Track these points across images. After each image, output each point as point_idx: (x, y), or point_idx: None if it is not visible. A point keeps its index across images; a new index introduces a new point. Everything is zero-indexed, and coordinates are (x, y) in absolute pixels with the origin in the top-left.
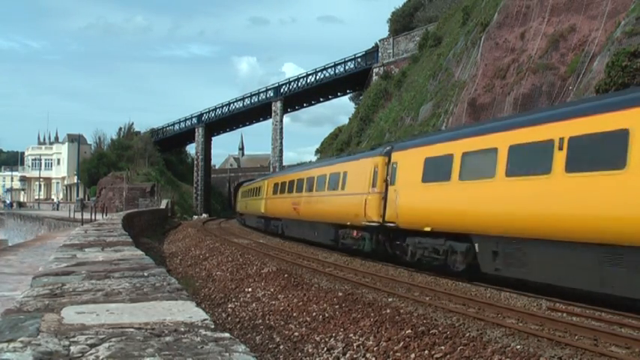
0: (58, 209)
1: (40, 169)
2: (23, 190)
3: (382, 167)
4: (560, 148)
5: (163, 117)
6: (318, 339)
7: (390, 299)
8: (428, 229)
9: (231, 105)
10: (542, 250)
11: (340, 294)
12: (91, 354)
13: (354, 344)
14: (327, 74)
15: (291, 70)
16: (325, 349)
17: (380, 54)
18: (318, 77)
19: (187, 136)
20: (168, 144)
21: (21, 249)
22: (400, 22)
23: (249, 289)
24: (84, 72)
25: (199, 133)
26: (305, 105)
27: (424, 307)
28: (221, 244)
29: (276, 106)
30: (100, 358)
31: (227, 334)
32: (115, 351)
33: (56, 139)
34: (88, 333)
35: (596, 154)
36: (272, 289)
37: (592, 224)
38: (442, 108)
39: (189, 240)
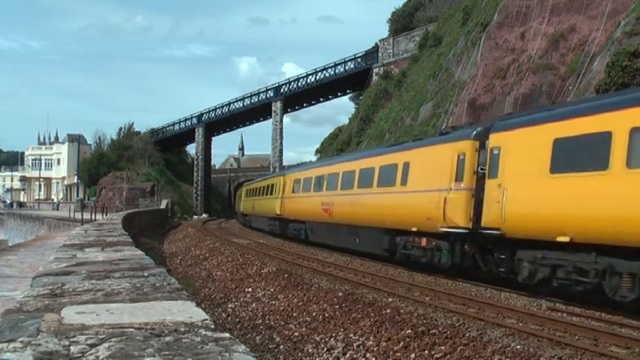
0: (58, 209)
1: (40, 169)
2: (23, 190)
3: (472, 155)
4: None
5: (163, 117)
6: (318, 339)
7: (390, 299)
8: (564, 239)
9: (231, 105)
10: None
11: (340, 294)
12: (91, 354)
13: (354, 344)
14: (327, 74)
15: (291, 70)
16: (325, 349)
17: (380, 54)
18: (318, 77)
19: (187, 136)
20: (168, 144)
21: (21, 249)
22: (400, 22)
23: (249, 289)
24: (84, 72)
25: (199, 133)
26: (305, 105)
27: (424, 307)
28: (221, 244)
29: (276, 106)
30: (100, 358)
31: (227, 334)
32: (115, 351)
33: (56, 139)
34: (88, 333)
35: None
36: (272, 289)
37: None
38: (442, 108)
39: (189, 240)
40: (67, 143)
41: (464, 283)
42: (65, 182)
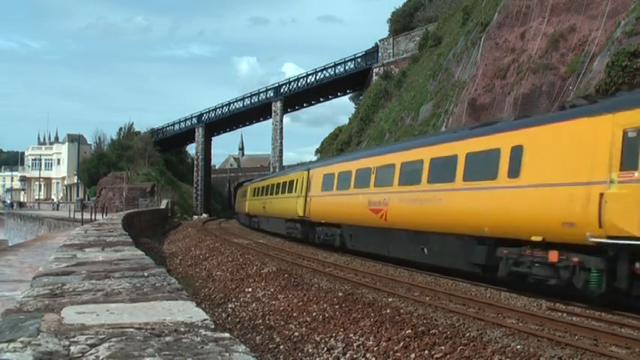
0: (58, 209)
1: (40, 169)
2: (23, 190)
3: None
4: None
5: (163, 117)
6: (318, 339)
7: (390, 299)
8: None
9: (231, 105)
10: None
11: (340, 294)
12: (91, 354)
13: (354, 344)
14: (327, 74)
15: (291, 70)
16: (325, 349)
17: (380, 54)
18: (318, 77)
19: (187, 136)
20: (168, 144)
21: (21, 249)
22: (400, 22)
23: (249, 289)
24: (84, 72)
25: (199, 133)
26: (305, 105)
27: (424, 307)
28: (221, 244)
29: (276, 106)
30: (100, 358)
31: (227, 334)
32: (115, 351)
33: (56, 139)
34: (88, 333)
35: None
36: (272, 289)
37: None
38: (442, 108)
39: (190, 240)
40: (67, 143)
41: (464, 283)
42: (65, 182)
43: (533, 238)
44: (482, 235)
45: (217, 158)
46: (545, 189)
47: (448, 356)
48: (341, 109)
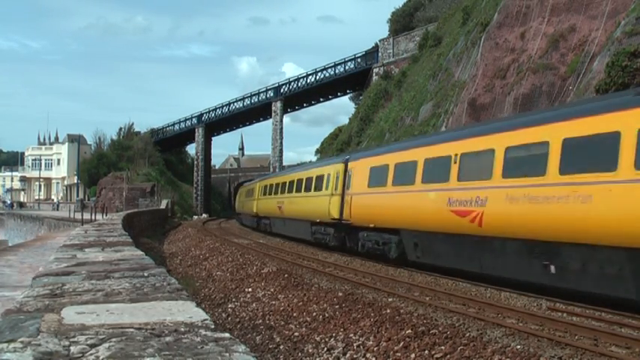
0: (58, 209)
1: (40, 170)
2: (23, 190)
3: None
4: None
5: (163, 117)
6: (318, 339)
7: (390, 299)
8: None
9: (231, 105)
10: None
11: (340, 294)
12: (91, 354)
13: (354, 344)
14: (327, 74)
15: (291, 70)
16: (325, 349)
17: (380, 54)
18: (318, 77)
19: (187, 136)
20: (168, 144)
21: (21, 249)
22: (400, 22)
23: (249, 289)
24: (84, 72)
25: (199, 133)
26: (305, 105)
27: (424, 307)
28: (221, 244)
29: (276, 106)
30: (100, 358)
31: (227, 334)
32: (115, 351)
33: (56, 139)
34: (88, 333)
35: None
36: (272, 289)
37: None
38: (442, 108)
39: (190, 240)
40: (67, 143)
41: (464, 283)
42: (65, 182)
43: None
44: None
45: (217, 158)
46: None
47: (448, 356)
48: (341, 109)
